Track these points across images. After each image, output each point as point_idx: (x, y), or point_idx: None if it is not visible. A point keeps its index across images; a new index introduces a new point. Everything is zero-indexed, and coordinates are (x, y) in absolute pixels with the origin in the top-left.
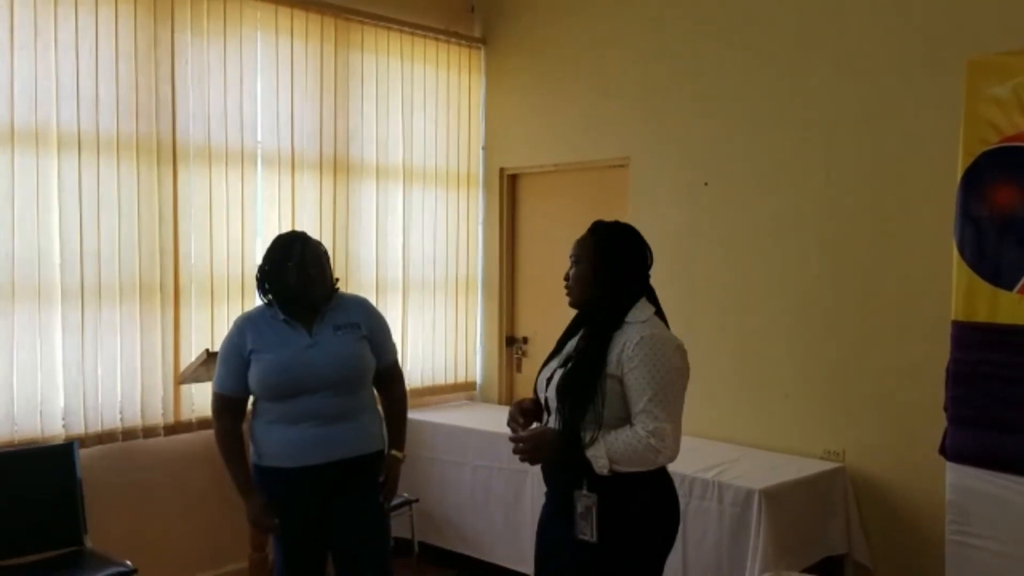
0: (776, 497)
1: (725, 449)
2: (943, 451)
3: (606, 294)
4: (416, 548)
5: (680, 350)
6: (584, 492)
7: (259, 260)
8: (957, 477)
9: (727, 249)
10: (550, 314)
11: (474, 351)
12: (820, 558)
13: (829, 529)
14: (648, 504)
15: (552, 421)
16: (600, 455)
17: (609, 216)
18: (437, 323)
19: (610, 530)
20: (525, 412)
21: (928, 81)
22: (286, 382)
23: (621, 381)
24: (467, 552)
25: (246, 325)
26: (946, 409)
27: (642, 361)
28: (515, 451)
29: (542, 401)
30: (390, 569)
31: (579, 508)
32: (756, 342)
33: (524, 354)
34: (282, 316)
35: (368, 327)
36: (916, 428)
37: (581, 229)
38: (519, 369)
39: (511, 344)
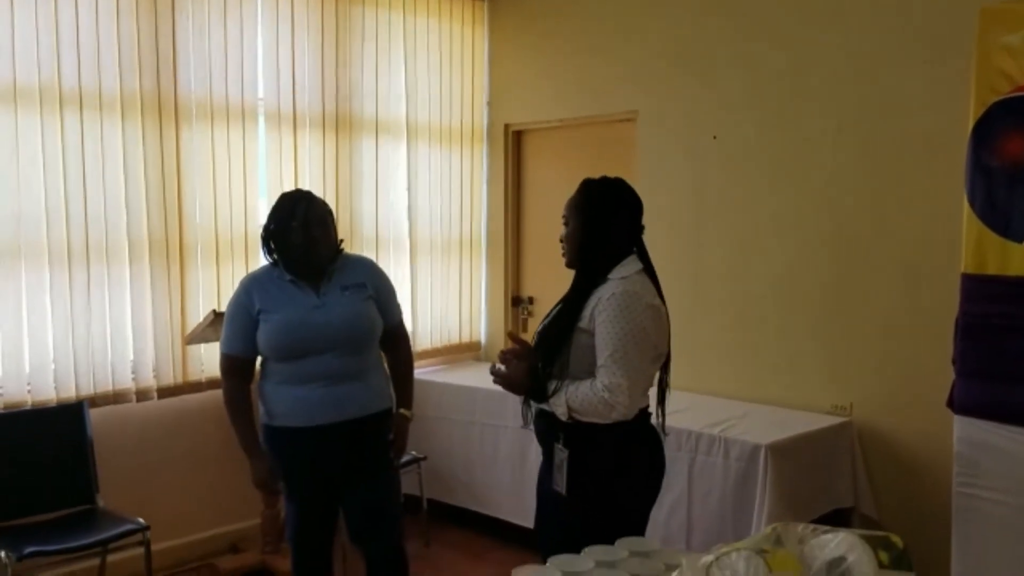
0: (782, 452)
1: (731, 405)
2: (951, 404)
3: (592, 250)
4: (425, 505)
5: (652, 308)
6: (559, 446)
7: (263, 219)
8: (965, 429)
9: (736, 202)
10: (556, 274)
11: (479, 311)
12: (827, 511)
13: (836, 483)
14: (612, 458)
15: None
16: (560, 403)
17: (617, 172)
18: (442, 283)
19: (578, 483)
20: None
21: (940, 28)
22: (295, 342)
23: (592, 335)
24: (475, 508)
25: (252, 285)
26: (954, 362)
27: (609, 317)
28: (493, 373)
29: None
30: (401, 526)
31: (555, 461)
32: (764, 296)
33: (530, 314)
34: (288, 276)
35: (374, 287)
36: (923, 382)
37: None
38: (525, 329)
39: (517, 304)
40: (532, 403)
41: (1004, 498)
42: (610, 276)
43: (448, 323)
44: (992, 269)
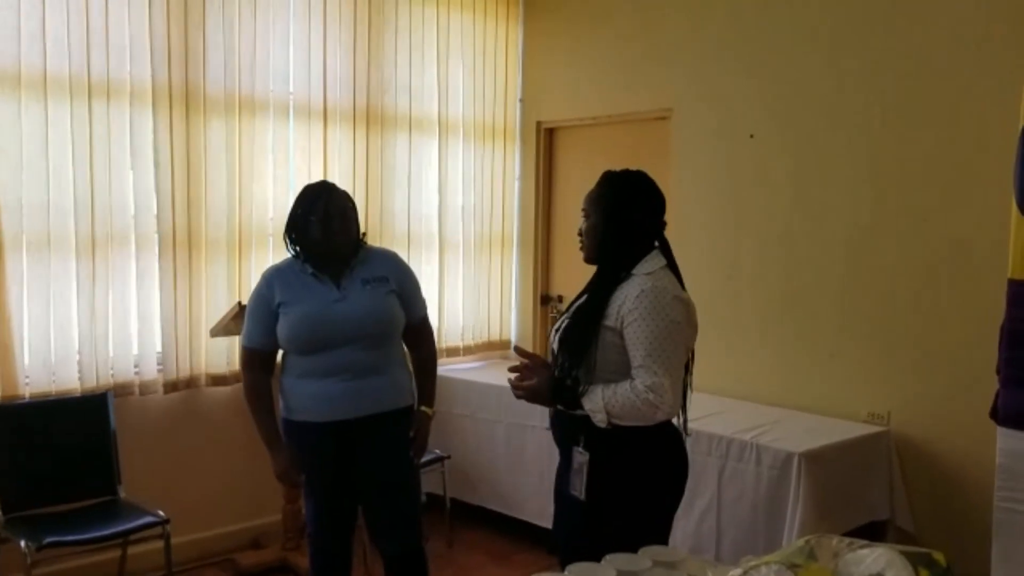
0: (817, 460)
1: (765, 411)
2: (994, 415)
3: (615, 245)
4: (448, 504)
5: (681, 302)
6: (579, 449)
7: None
8: (1008, 441)
9: (772, 203)
10: (585, 273)
11: (509, 309)
12: (862, 523)
13: (871, 494)
14: (640, 462)
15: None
16: (598, 409)
17: (650, 171)
18: (473, 281)
19: (601, 487)
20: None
21: (990, 21)
22: (315, 336)
23: (621, 334)
24: (499, 509)
25: (274, 277)
26: (998, 371)
27: (641, 314)
28: (515, 395)
29: (552, 352)
30: (420, 524)
31: (574, 464)
32: (800, 299)
33: (559, 312)
34: (310, 269)
35: (397, 281)
36: (965, 391)
37: None
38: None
39: (546, 303)
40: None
41: None
42: (634, 272)
43: (478, 321)
44: None
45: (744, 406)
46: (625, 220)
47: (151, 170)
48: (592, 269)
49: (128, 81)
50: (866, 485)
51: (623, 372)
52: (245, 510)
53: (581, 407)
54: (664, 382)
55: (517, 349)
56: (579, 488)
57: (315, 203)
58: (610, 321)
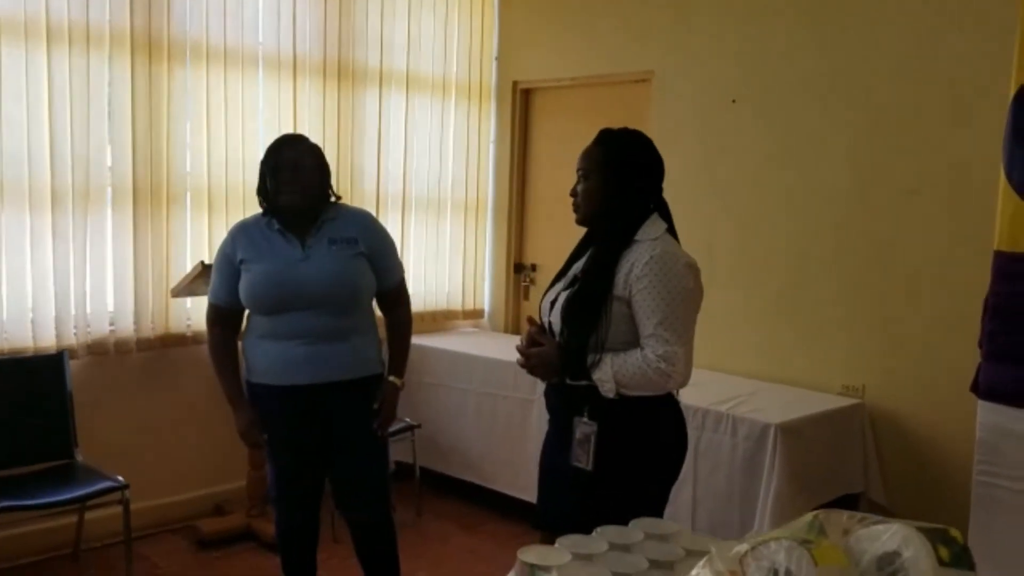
0: (792, 432)
1: (740, 383)
2: (975, 388)
3: (616, 209)
4: (417, 473)
5: (692, 268)
6: (584, 420)
7: (257, 169)
8: (988, 416)
9: (753, 170)
10: (561, 241)
11: (482, 277)
12: (836, 496)
13: (845, 466)
14: (650, 433)
15: None
16: (607, 379)
17: None
18: (443, 246)
19: (608, 458)
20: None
21: None
22: (274, 296)
23: (629, 303)
24: (470, 479)
25: (239, 234)
26: (981, 344)
27: (651, 282)
28: (521, 365)
29: (545, 326)
30: (388, 494)
31: (577, 435)
32: (778, 270)
33: (532, 282)
34: (276, 225)
35: (367, 244)
36: (941, 364)
37: None
38: (526, 297)
39: (519, 271)
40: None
41: None
42: (638, 238)
43: (449, 288)
44: None
45: (719, 378)
46: (628, 183)
47: (108, 120)
48: (577, 233)
49: (86, 25)
50: (840, 457)
51: (632, 343)
52: (208, 476)
53: (589, 377)
54: (677, 351)
55: (530, 320)
56: (585, 459)
57: (271, 154)
58: (618, 290)
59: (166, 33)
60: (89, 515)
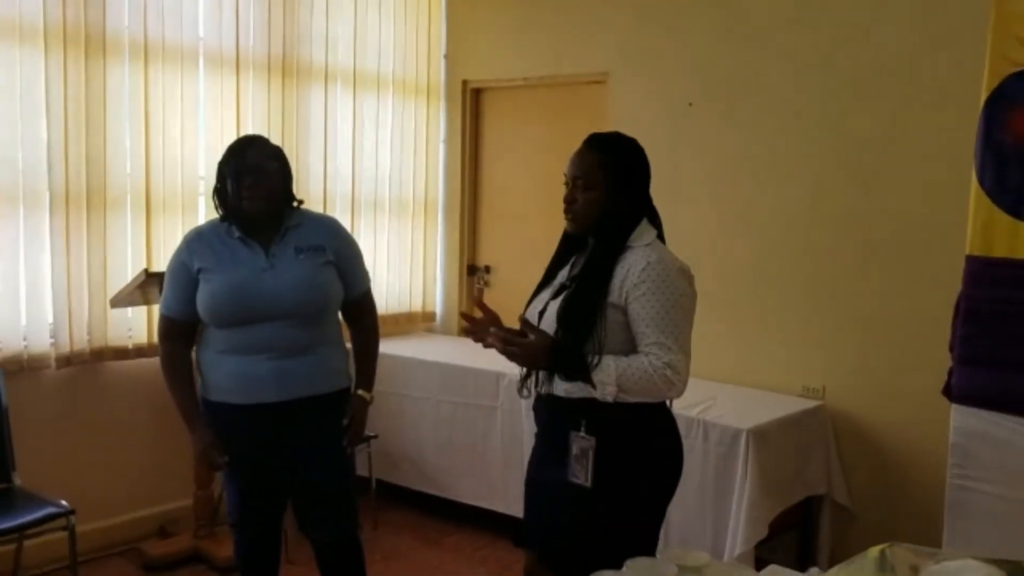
0: (762, 436)
1: (702, 385)
2: (947, 392)
3: (620, 218)
4: (374, 485)
5: (685, 274)
6: (581, 434)
7: (201, 170)
8: (963, 419)
9: (711, 175)
10: (515, 242)
11: (434, 280)
12: (800, 499)
13: (810, 468)
14: (648, 444)
15: None
16: (609, 380)
17: (585, 136)
18: (393, 247)
19: (608, 474)
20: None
21: None
22: (238, 308)
23: (624, 311)
24: (428, 490)
25: (195, 241)
26: (952, 348)
27: (650, 288)
28: (505, 353)
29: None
30: (355, 514)
31: (574, 450)
32: (735, 271)
33: (487, 284)
34: (237, 233)
35: (335, 251)
36: (904, 367)
37: (553, 150)
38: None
39: (472, 272)
40: (536, 386)
41: (1002, 491)
42: (631, 244)
43: (399, 291)
44: (1000, 251)
45: None
46: (626, 190)
47: (42, 120)
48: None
49: (18, 19)
50: (805, 460)
51: (625, 352)
52: (151, 495)
53: (584, 377)
54: (681, 359)
55: (524, 322)
56: (584, 475)
57: (231, 157)
58: (613, 297)
59: (102, 28)
60: (29, 541)
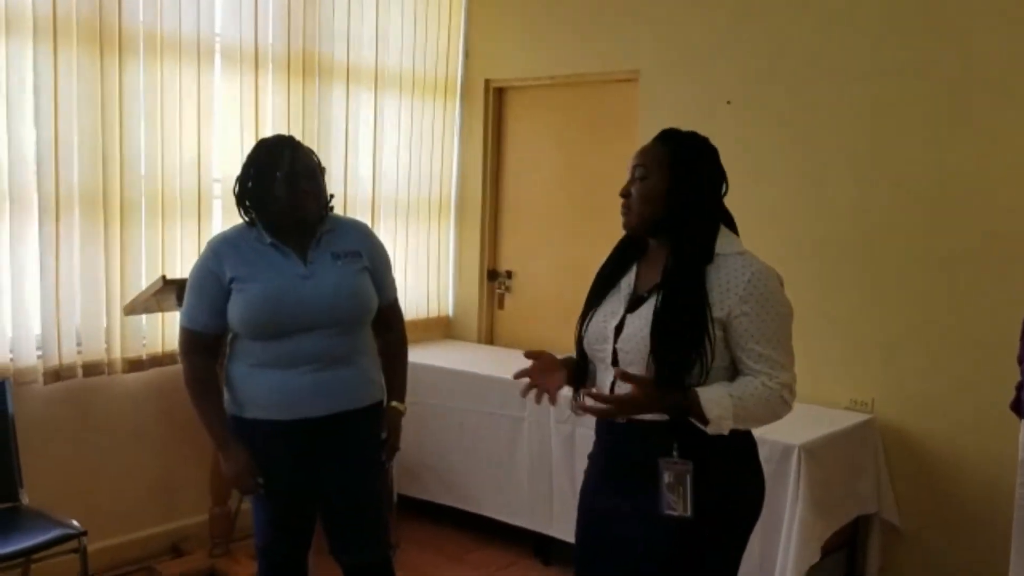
0: (815, 452)
1: None
2: (1016, 407)
3: (678, 217)
4: (396, 500)
5: (782, 283)
6: (674, 459)
7: (217, 172)
8: None
9: (750, 178)
10: (538, 247)
11: (454, 285)
12: (850, 519)
13: (861, 485)
14: (747, 466)
15: (609, 379)
16: (726, 415)
17: (616, 138)
18: (412, 251)
19: (708, 501)
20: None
21: None
22: (277, 319)
23: (725, 326)
24: (451, 503)
25: (223, 248)
26: (1020, 362)
27: (759, 302)
28: (596, 412)
29: (593, 354)
30: (388, 536)
31: (667, 479)
32: (784, 277)
33: (508, 289)
34: (269, 239)
35: (370, 257)
36: (951, 379)
37: (579, 153)
38: (501, 306)
39: (493, 278)
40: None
41: None
42: (722, 251)
43: (418, 296)
44: None
45: None
46: (696, 188)
47: (53, 119)
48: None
49: (31, 12)
50: (856, 477)
51: (723, 372)
52: (167, 512)
53: (697, 414)
54: (794, 378)
55: (623, 374)
56: (682, 505)
57: (278, 158)
58: (715, 311)
59: (117, 22)
60: (37, 564)
